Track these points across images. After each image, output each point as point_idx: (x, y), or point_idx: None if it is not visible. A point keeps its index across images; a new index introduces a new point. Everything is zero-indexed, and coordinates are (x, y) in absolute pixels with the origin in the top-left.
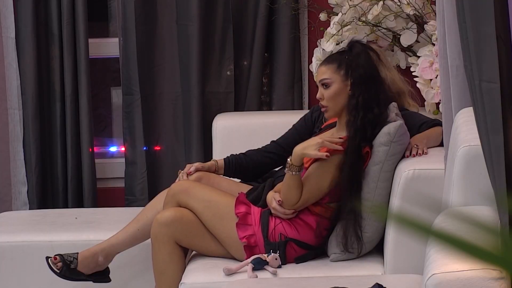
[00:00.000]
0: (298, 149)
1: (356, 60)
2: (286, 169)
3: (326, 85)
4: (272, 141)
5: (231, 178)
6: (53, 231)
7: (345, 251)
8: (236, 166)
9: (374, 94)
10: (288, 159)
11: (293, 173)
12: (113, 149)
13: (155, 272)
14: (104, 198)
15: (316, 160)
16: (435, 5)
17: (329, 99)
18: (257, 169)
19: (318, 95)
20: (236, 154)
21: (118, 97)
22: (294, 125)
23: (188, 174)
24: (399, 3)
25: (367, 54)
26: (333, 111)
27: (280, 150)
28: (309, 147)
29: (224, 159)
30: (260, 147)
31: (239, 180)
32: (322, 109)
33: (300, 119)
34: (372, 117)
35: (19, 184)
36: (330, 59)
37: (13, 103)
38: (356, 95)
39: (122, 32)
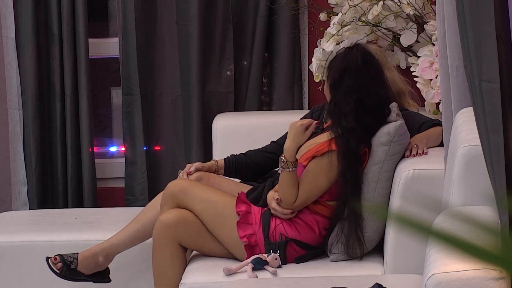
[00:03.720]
0: (288, 144)
1: (333, 65)
2: (281, 168)
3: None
4: (272, 141)
5: (231, 178)
6: (53, 231)
7: (346, 254)
8: (237, 166)
9: (344, 103)
10: (282, 157)
11: (290, 169)
12: (113, 149)
13: (155, 273)
14: (104, 198)
15: (315, 157)
16: (435, 5)
17: (325, 94)
18: (257, 169)
19: None
20: (236, 154)
21: (118, 97)
22: None
23: (188, 174)
24: (399, 3)
25: (347, 61)
26: None
27: (280, 150)
28: (296, 136)
29: (224, 159)
30: (260, 147)
31: (239, 180)
32: None
33: (300, 119)
34: (345, 125)
35: (19, 184)
36: (334, 57)
37: (13, 103)
38: (331, 100)
39: (122, 32)
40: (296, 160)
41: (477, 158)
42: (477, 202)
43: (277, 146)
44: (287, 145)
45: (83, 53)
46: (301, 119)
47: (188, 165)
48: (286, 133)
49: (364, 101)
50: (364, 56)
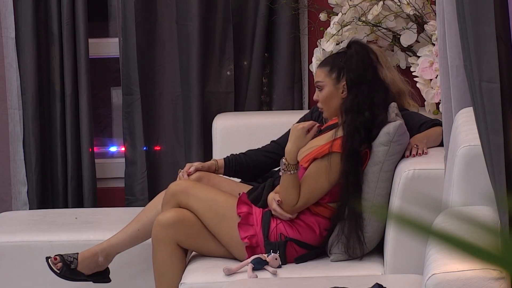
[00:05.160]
0: (289, 147)
1: (348, 64)
2: (282, 170)
3: (319, 88)
4: (272, 141)
5: (231, 178)
6: (53, 231)
7: (347, 254)
8: (236, 165)
9: (366, 97)
10: (283, 160)
11: (291, 172)
12: (113, 149)
13: (155, 273)
14: (104, 198)
15: (315, 159)
16: (435, 5)
17: (322, 102)
18: (257, 168)
19: (314, 97)
20: (236, 154)
21: (118, 97)
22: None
23: (188, 174)
24: (399, 3)
25: (362, 56)
26: (328, 112)
27: (280, 150)
28: (297, 139)
29: (224, 158)
30: (260, 147)
31: (239, 180)
32: (320, 110)
33: (300, 119)
34: (363, 120)
35: (19, 184)
36: (325, 61)
37: (13, 103)
38: (347, 98)
39: (122, 32)
40: (298, 162)
41: (477, 158)
42: (477, 202)
43: (277, 145)
44: (288, 148)
45: (83, 53)
46: (300, 119)
47: (188, 165)
48: (286, 132)
49: (379, 94)
50: (371, 51)
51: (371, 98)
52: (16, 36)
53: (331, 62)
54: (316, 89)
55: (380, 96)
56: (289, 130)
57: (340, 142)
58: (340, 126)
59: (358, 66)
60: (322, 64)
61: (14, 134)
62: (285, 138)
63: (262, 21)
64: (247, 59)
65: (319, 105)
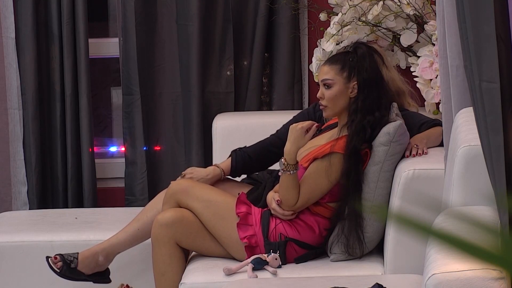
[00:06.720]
0: (288, 147)
1: (361, 64)
2: (282, 170)
3: (327, 86)
4: (272, 135)
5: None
6: (53, 231)
7: (347, 253)
8: (243, 170)
9: (376, 97)
10: (282, 160)
11: (291, 172)
12: (113, 149)
13: (155, 273)
14: (104, 198)
15: (316, 159)
16: (435, 5)
17: (329, 100)
18: (260, 167)
19: (318, 94)
20: (240, 151)
21: (118, 97)
22: (294, 117)
23: None
24: (399, 3)
25: (372, 57)
26: (332, 111)
27: (280, 144)
28: (296, 139)
29: (231, 163)
30: (260, 141)
31: (240, 179)
32: (321, 107)
33: (302, 112)
34: (372, 120)
35: (19, 184)
36: (334, 59)
37: (13, 103)
38: (358, 98)
39: (122, 32)
40: (297, 162)
41: (477, 158)
42: (477, 202)
43: (278, 140)
44: (288, 148)
45: (83, 53)
46: (301, 112)
47: (189, 170)
48: (287, 122)
49: (387, 94)
50: (377, 52)
51: (379, 99)
52: (16, 36)
53: (342, 60)
54: (323, 87)
55: (387, 96)
56: (290, 121)
57: (343, 141)
58: (346, 125)
59: (371, 67)
60: (331, 61)
61: (14, 134)
62: (285, 129)
63: (262, 21)
64: (247, 59)
65: (323, 102)
